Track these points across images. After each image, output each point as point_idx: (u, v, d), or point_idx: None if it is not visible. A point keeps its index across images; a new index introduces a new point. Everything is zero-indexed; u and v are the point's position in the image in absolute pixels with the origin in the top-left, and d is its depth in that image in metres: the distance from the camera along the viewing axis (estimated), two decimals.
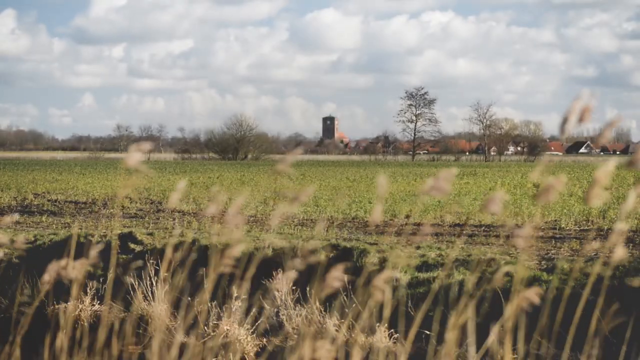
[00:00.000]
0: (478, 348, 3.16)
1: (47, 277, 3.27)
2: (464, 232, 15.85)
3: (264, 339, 10.79)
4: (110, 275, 12.11)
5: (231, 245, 2.92)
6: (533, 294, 2.63)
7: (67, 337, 3.39)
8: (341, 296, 6.75)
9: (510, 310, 2.68)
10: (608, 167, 2.59)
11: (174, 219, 18.54)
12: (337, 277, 2.76)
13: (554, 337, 3.33)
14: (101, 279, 12.44)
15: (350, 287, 3.54)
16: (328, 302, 10.28)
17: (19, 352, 3.79)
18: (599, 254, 12.19)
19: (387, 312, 2.79)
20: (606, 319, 3.26)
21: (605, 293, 3.41)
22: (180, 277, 3.32)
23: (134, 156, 2.99)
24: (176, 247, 3.41)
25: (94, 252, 3.27)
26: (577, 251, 13.12)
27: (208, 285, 3.12)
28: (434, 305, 6.00)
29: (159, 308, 11.28)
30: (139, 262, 11.84)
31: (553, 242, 14.26)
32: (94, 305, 12.36)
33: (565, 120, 2.57)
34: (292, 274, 2.98)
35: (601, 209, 19.40)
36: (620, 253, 2.67)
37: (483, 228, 16.32)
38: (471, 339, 2.85)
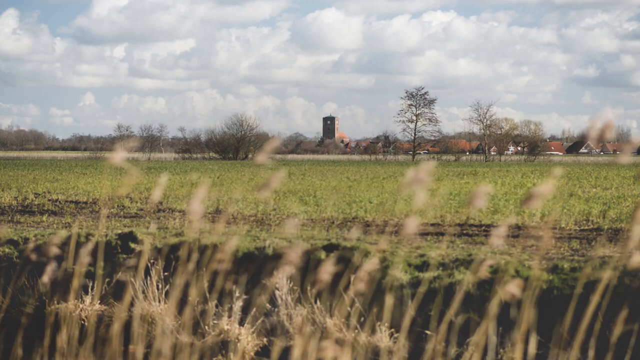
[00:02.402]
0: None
1: (46, 278, 3.27)
2: (464, 231, 15.86)
3: (264, 339, 10.79)
4: (112, 274, 12.13)
5: (224, 242, 2.93)
6: (514, 287, 2.64)
7: (68, 337, 3.39)
8: (343, 295, 6.75)
9: (494, 303, 2.68)
10: None
11: (174, 219, 18.54)
12: (327, 270, 2.75)
13: (557, 338, 3.34)
14: (102, 279, 12.44)
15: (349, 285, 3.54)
16: (329, 302, 10.28)
17: (19, 351, 3.79)
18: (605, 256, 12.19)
19: (387, 313, 2.79)
20: (614, 324, 3.27)
21: (611, 296, 3.40)
22: (180, 276, 3.32)
23: (119, 155, 2.99)
24: (177, 247, 3.42)
25: (94, 251, 3.27)
26: (577, 251, 13.12)
27: (208, 284, 3.13)
28: (436, 305, 6.02)
29: (160, 307, 11.29)
30: (140, 262, 11.85)
31: (553, 242, 14.27)
32: (94, 305, 12.37)
33: (586, 137, 2.60)
34: (289, 270, 2.99)
35: (601, 209, 19.40)
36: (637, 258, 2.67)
37: (483, 228, 16.33)
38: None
